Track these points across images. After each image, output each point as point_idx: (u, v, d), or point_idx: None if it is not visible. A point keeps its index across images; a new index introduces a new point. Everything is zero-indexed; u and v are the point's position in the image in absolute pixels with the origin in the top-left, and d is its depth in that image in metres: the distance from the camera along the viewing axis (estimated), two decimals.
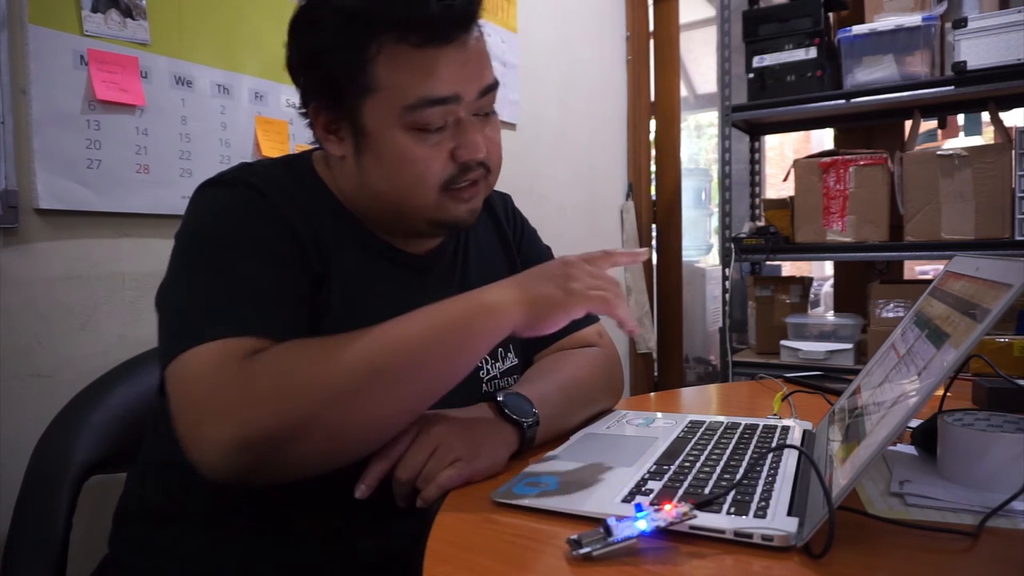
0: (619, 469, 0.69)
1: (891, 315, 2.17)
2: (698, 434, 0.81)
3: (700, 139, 5.12)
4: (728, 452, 0.73)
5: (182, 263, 0.70)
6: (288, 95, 1.41)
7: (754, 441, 0.77)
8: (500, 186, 0.90)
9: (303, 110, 0.77)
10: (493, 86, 0.76)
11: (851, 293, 2.71)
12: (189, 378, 0.61)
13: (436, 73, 0.70)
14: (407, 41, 0.68)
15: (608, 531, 0.52)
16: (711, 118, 4.56)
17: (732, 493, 0.60)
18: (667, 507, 0.54)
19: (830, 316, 2.49)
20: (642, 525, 0.53)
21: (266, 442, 0.58)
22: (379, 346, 0.62)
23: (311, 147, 0.83)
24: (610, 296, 0.68)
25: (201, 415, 0.59)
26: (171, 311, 0.67)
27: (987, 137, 2.92)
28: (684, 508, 0.54)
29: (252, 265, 0.67)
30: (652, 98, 2.98)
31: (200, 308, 0.65)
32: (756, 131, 2.78)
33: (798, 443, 0.78)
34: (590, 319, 1.01)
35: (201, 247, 0.69)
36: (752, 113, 2.45)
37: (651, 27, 2.96)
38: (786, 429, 0.82)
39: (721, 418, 0.88)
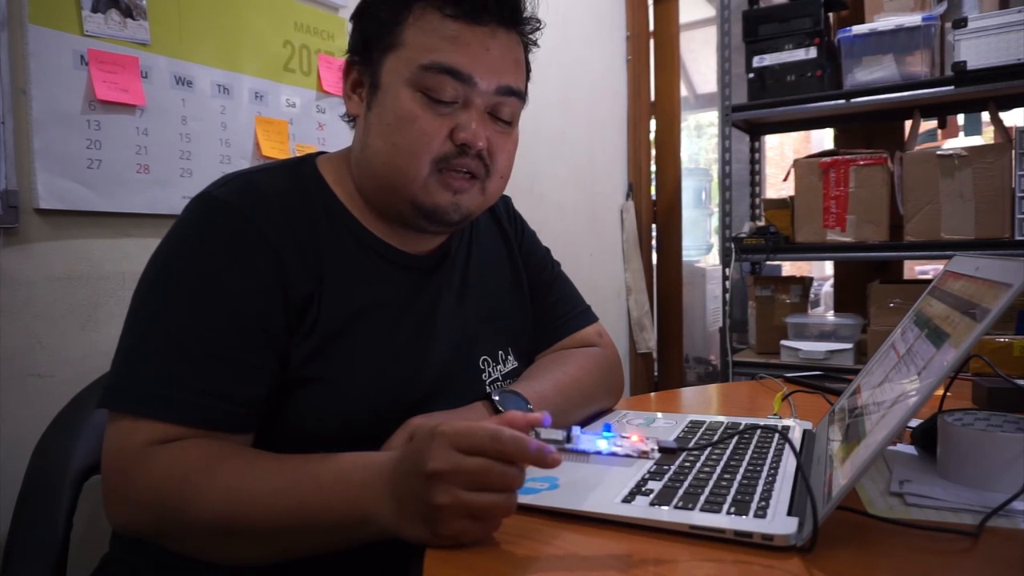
0: (619, 469, 0.69)
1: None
2: (698, 434, 0.81)
3: (700, 139, 5.12)
4: (728, 452, 0.73)
5: (141, 296, 0.71)
6: (288, 95, 1.41)
7: (754, 441, 0.77)
8: None
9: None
10: (515, 91, 0.77)
11: (851, 293, 2.71)
12: (105, 450, 0.65)
13: (457, 45, 0.73)
14: (441, 10, 0.73)
15: (569, 438, 0.54)
16: (711, 118, 4.56)
17: (732, 493, 0.60)
18: (634, 438, 0.55)
19: (830, 316, 2.49)
20: (602, 445, 0.54)
21: (147, 535, 0.64)
22: (236, 504, 0.60)
23: (314, 149, 0.83)
24: (483, 532, 0.56)
25: (105, 488, 0.65)
26: (119, 350, 0.69)
27: (987, 137, 2.92)
28: (651, 445, 0.55)
29: (198, 318, 0.67)
30: (652, 98, 2.98)
31: (136, 364, 0.67)
32: (756, 131, 2.78)
33: (798, 443, 0.78)
34: (590, 319, 1.01)
35: (159, 284, 0.70)
36: (752, 113, 2.45)
37: (651, 27, 2.96)
38: (786, 429, 0.82)
39: (721, 418, 0.89)
